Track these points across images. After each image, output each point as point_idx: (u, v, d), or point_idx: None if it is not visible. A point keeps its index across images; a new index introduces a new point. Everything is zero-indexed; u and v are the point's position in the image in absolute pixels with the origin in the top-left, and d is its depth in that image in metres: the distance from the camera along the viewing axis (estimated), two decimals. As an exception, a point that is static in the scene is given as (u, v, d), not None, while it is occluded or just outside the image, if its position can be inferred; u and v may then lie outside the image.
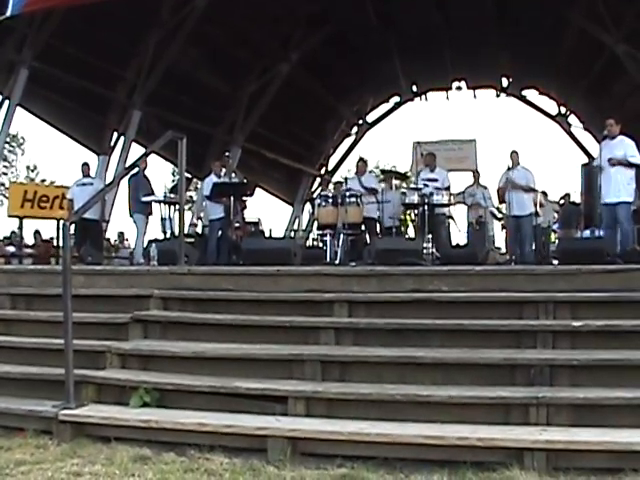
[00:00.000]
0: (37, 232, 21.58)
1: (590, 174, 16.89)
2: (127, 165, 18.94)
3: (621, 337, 6.52)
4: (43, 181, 33.61)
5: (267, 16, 21.92)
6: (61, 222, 15.19)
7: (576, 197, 19.90)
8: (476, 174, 18.02)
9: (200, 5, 19.61)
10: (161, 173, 35.72)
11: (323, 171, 32.12)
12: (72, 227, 13.92)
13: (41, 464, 5.53)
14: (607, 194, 12.01)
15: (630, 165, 11.90)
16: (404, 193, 15.07)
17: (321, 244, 14.83)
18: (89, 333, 7.46)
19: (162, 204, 14.49)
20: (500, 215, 16.50)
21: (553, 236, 20.27)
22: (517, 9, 22.17)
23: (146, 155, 13.10)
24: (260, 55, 24.13)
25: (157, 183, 16.79)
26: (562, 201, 19.83)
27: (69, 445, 6.01)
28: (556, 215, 18.91)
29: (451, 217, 15.86)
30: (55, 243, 19.59)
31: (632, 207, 12.35)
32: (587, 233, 16.54)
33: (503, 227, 16.80)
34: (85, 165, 16.18)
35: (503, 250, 17.67)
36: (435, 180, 14.63)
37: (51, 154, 64.48)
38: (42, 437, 6.23)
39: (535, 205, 15.24)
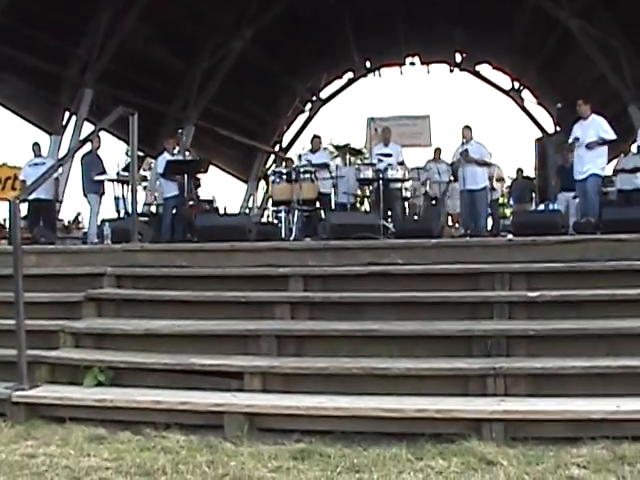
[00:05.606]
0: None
1: (543, 149, 17.05)
2: (80, 140, 18.62)
3: (577, 307, 6.57)
4: (-6, 163, 33.13)
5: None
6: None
7: (529, 171, 20.11)
8: (438, 150, 18.09)
9: (154, -20, 19.43)
10: (114, 152, 35.27)
11: (277, 148, 32.01)
12: (25, 207, 13.87)
13: (-6, 446, 5.46)
14: (576, 172, 12.45)
15: (604, 142, 12.22)
16: (358, 169, 15.09)
17: (276, 221, 14.78)
18: (42, 313, 7.34)
19: (116, 183, 14.34)
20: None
21: (507, 211, 20.44)
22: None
23: (97, 131, 12.92)
24: (213, 32, 23.86)
25: (110, 162, 16.49)
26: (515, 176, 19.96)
27: (23, 427, 5.93)
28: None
29: (407, 198, 15.89)
30: (7, 225, 19.30)
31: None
32: (542, 206, 16.68)
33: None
34: (36, 145, 15.90)
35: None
36: (389, 155, 14.64)
37: (1, 134, 63.42)
38: (-5, 419, 6.14)
39: (490, 180, 15.33)
